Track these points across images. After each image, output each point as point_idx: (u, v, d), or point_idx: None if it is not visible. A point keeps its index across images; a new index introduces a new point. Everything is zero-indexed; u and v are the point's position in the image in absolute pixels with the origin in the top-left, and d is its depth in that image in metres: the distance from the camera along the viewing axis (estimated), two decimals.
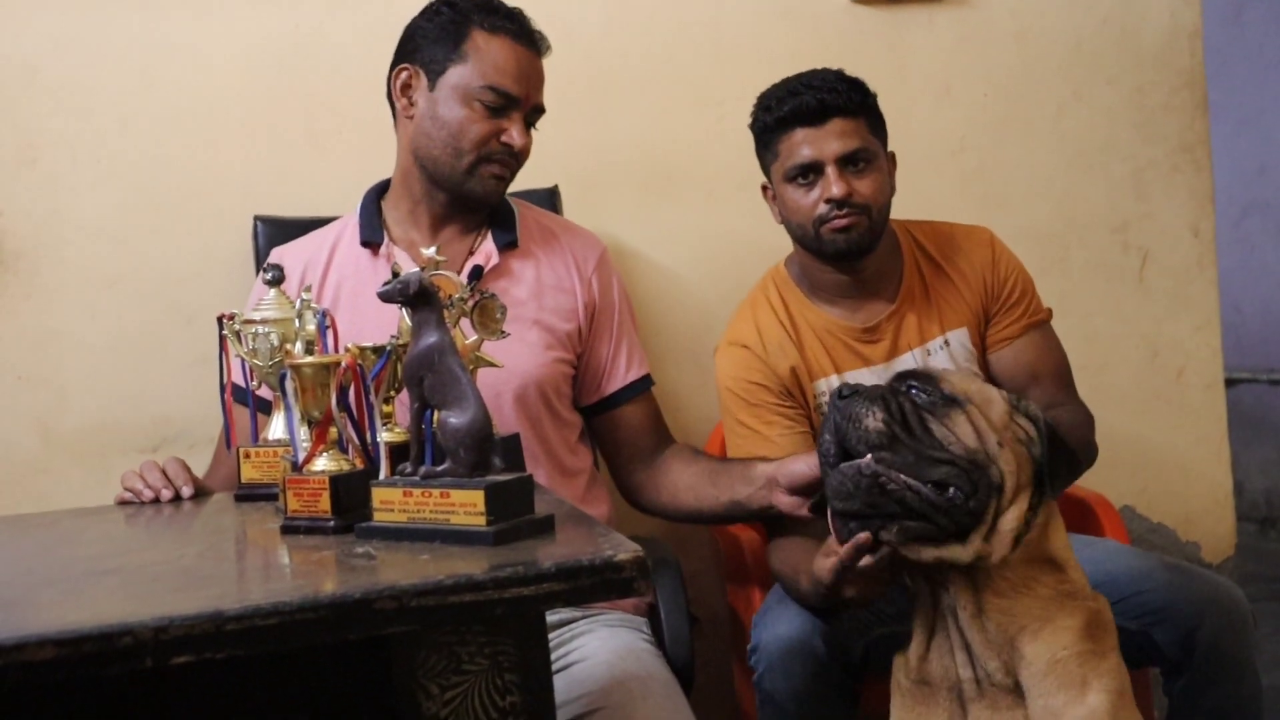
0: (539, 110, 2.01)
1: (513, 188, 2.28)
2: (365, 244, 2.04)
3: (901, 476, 1.52)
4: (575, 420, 2.10)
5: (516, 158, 1.99)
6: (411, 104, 1.99)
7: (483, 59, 1.94)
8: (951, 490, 1.53)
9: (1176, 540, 2.84)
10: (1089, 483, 2.26)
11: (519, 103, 1.95)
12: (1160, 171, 2.83)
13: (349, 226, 2.09)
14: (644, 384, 2.12)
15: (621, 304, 2.13)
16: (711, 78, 2.64)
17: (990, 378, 2.13)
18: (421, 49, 1.98)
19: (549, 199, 2.45)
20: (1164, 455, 2.85)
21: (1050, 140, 2.80)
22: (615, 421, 2.10)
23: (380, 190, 2.11)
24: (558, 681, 1.49)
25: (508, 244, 2.05)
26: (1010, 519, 1.55)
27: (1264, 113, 5.26)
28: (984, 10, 2.76)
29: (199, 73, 2.48)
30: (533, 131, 2.01)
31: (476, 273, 2.00)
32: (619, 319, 2.11)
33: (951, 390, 1.59)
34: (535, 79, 1.99)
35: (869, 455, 1.52)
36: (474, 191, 1.98)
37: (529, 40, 1.98)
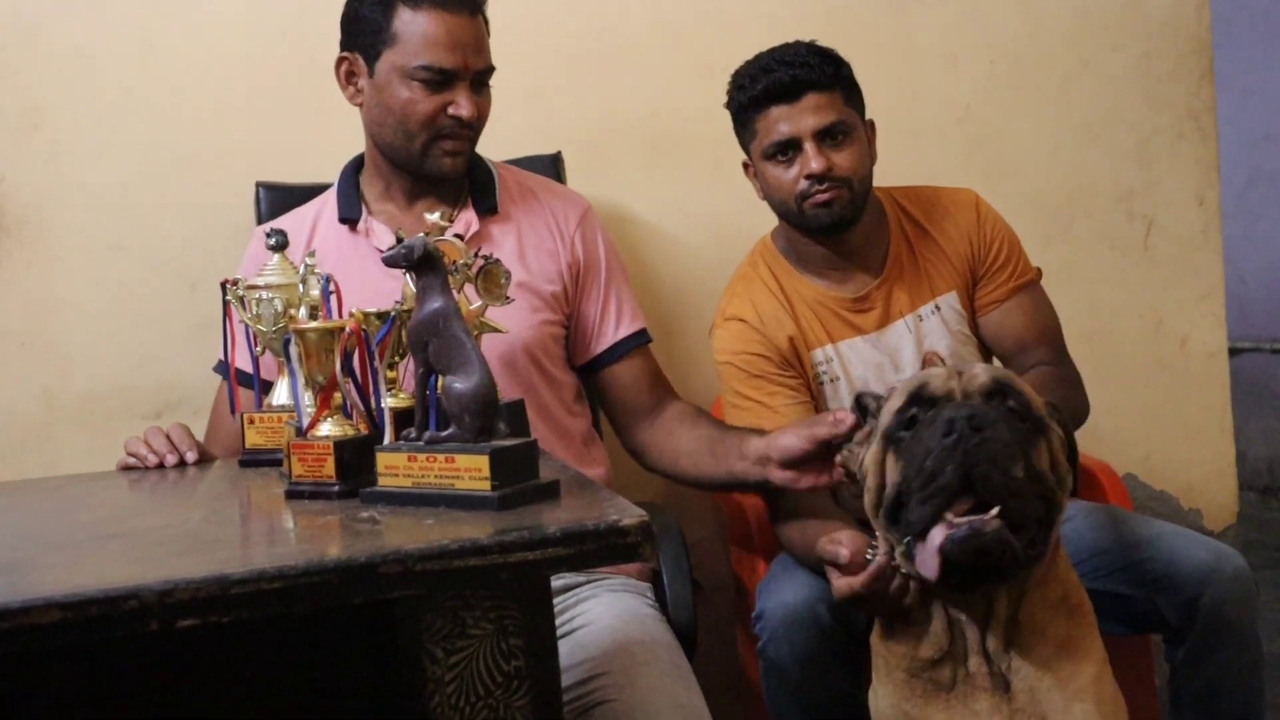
0: (487, 71, 1.97)
1: (515, 154, 2.28)
2: (344, 220, 2.03)
3: (1013, 543, 1.43)
4: (569, 380, 2.09)
5: (471, 126, 1.95)
6: (358, 91, 1.98)
7: (411, 38, 1.89)
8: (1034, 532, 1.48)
9: (1179, 508, 2.85)
10: (1092, 450, 2.27)
11: (458, 73, 1.91)
12: (1166, 140, 2.82)
13: (328, 204, 2.08)
14: (636, 340, 2.08)
15: (609, 260, 2.09)
16: (716, 43, 2.61)
17: (981, 340, 2.14)
18: (355, 35, 1.96)
19: (552, 166, 2.43)
20: (1167, 424, 2.85)
21: (1056, 108, 2.78)
22: (610, 380, 2.07)
23: (358, 164, 2.10)
24: (562, 646, 1.50)
25: (488, 210, 2.04)
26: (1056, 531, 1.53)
27: (1270, 82, 5.24)
28: None
29: (202, 38, 2.46)
30: (488, 93, 1.98)
31: None
32: (606, 276, 2.08)
33: (1039, 414, 1.52)
34: (472, 44, 1.92)
35: (995, 511, 1.42)
36: (432, 171, 1.97)
37: (457, 4, 1.91)
